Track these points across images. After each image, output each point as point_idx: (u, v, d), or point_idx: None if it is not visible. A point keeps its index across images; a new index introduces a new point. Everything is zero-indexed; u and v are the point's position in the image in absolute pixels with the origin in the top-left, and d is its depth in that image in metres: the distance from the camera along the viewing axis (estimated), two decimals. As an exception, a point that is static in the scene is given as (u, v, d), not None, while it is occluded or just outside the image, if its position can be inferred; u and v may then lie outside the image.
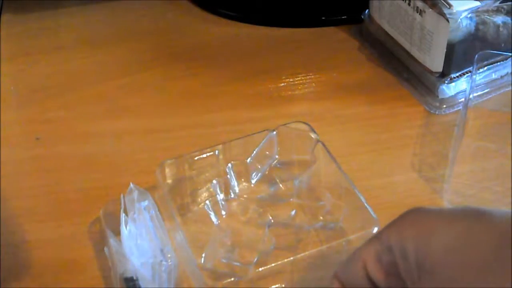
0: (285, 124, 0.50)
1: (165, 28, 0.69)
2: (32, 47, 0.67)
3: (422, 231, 0.32)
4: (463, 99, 0.56)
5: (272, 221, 0.47)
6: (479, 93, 0.58)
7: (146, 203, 0.46)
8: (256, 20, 0.69)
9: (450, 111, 0.58)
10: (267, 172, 0.51)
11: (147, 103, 0.60)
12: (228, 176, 0.49)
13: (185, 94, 0.60)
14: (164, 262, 0.42)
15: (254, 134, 0.49)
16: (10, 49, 0.66)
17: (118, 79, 0.62)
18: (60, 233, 0.47)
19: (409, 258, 0.32)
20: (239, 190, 0.50)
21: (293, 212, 0.48)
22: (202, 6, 0.71)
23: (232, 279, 0.41)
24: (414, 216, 0.33)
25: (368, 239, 0.35)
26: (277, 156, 0.51)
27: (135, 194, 0.45)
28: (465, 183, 0.51)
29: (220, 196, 0.49)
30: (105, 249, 0.44)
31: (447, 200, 0.49)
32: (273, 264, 0.42)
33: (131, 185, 0.46)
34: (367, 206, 0.44)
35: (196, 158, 0.48)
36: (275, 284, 0.43)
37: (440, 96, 0.57)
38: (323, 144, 0.48)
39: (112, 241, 0.43)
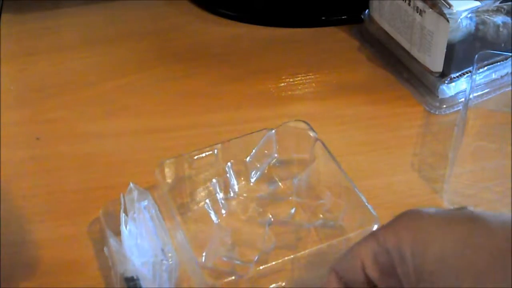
0: (284, 123, 0.50)
1: (165, 28, 0.69)
2: (32, 47, 0.67)
3: (419, 237, 0.32)
4: (463, 99, 0.56)
5: (272, 219, 0.47)
6: (479, 93, 0.58)
7: (146, 202, 0.46)
8: (256, 20, 0.69)
9: (450, 111, 0.58)
10: (266, 171, 0.51)
11: (147, 103, 0.60)
12: (228, 175, 0.49)
13: (185, 94, 0.60)
14: (165, 262, 0.42)
15: (253, 133, 0.49)
16: (10, 49, 0.66)
17: (118, 79, 0.62)
18: (60, 233, 0.47)
19: (407, 262, 0.32)
20: (238, 189, 0.50)
21: (292, 210, 0.48)
22: (202, 6, 0.71)
23: (233, 277, 0.41)
24: (410, 219, 0.33)
25: (365, 236, 0.35)
26: (276, 155, 0.51)
27: (135, 193, 0.45)
28: (465, 183, 0.51)
29: (220, 195, 0.49)
30: (105, 249, 0.44)
31: (447, 200, 0.49)
32: (273, 263, 0.42)
33: (131, 184, 0.46)
34: (367, 204, 0.44)
35: (195, 158, 0.48)
36: (275, 282, 0.43)
37: (440, 96, 0.57)
38: (322, 143, 0.48)
39: (112, 241, 0.43)
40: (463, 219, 0.32)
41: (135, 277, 0.41)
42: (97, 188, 0.51)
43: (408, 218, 0.33)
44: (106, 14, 0.71)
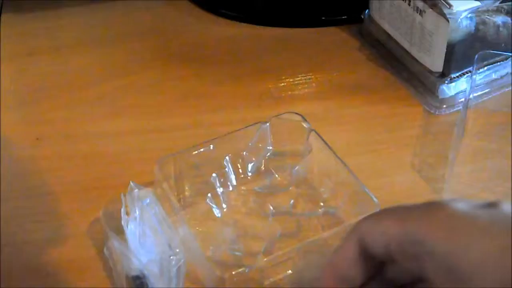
0: (277, 115, 0.50)
1: (165, 28, 0.69)
2: (32, 47, 0.67)
3: (456, 239, 0.31)
4: (463, 99, 0.56)
5: (274, 210, 0.48)
6: (479, 93, 0.58)
7: (148, 200, 0.45)
8: (256, 20, 0.69)
9: (450, 111, 0.58)
10: (263, 163, 0.51)
11: (146, 103, 0.59)
12: (226, 169, 0.49)
13: (184, 94, 0.60)
14: (173, 257, 0.42)
15: (247, 127, 0.50)
16: (10, 49, 0.66)
17: (118, 79, 0.62)
18: (60, 233, 0.47)
19: (439, 260, 0.31)
20: (237, 183, 0.50)
21: (292, 201, 0.48)
22: (202, 6, 0.71)
23: (242, 269, 0.41)
24: (445, 219, 0.32)
25: (389, 215, 0.34)
26: (271, 148, 0.51)
27: (136, 192, 0.45)
28: (465, 183, 0.51)
29: (220, 190, 0.49)
30: (105, 249, 0.44)
31: (447, 200, 0.49)
32: (280, 252, 0.42)
33: (131, 183, 0.46)
34: (366, 190, 0.44)
35: (193, 153, 0.48)
36: (282, 272, 0.43)
37: (440, 96, 0.57)
38: (317, 133, 0.49)
39: (113, 240, 0.43)
40: (504, 226, 0.31)
41: (141, 275, 0.41)
42: (97, 188, 0.51)
43: (443, 216, 0.32)
44: (106, 14, 0.71)
